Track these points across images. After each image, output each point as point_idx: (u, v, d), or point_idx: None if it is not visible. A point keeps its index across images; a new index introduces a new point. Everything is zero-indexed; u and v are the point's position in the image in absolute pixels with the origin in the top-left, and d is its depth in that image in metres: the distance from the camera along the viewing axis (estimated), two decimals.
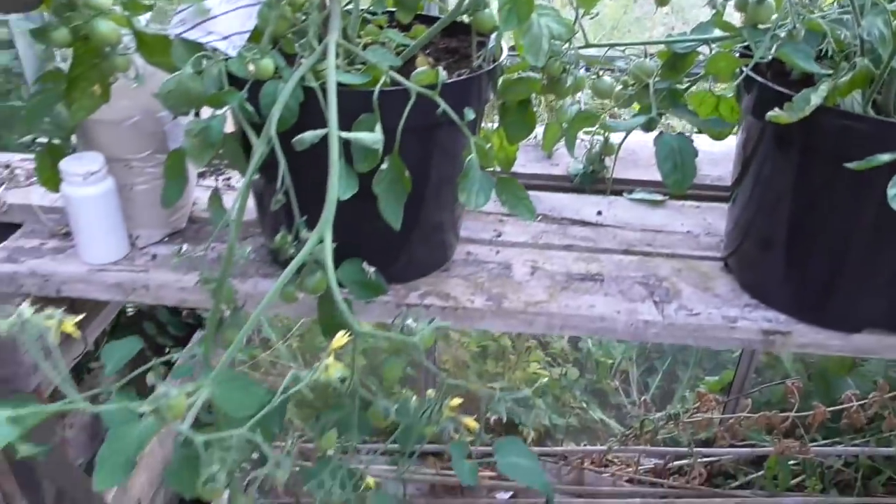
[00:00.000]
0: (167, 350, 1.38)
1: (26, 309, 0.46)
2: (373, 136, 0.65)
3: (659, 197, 1.11)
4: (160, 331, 1.43)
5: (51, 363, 0.46)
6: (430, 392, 0.69)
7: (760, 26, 0.78)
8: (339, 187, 0.62)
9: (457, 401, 0.68)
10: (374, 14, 0.82)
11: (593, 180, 1.16)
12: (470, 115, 0.70)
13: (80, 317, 0.49)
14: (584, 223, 1.04)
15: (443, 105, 0.69)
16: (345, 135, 0.64)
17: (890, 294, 0.80)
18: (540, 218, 1.04)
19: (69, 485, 0.99)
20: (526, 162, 1.19)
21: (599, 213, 1.07)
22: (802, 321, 0.85)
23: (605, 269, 0.93)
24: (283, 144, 0.67)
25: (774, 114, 0.70)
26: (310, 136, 0.64)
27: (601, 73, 0.96)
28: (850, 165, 0.68)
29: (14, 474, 0.95)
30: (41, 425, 0.52)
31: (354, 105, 0.69)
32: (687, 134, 0.84)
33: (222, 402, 0.59)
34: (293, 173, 0.69)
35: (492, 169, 0.75)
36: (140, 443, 0.58)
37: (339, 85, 0.67)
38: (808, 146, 0.76)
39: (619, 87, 0.96)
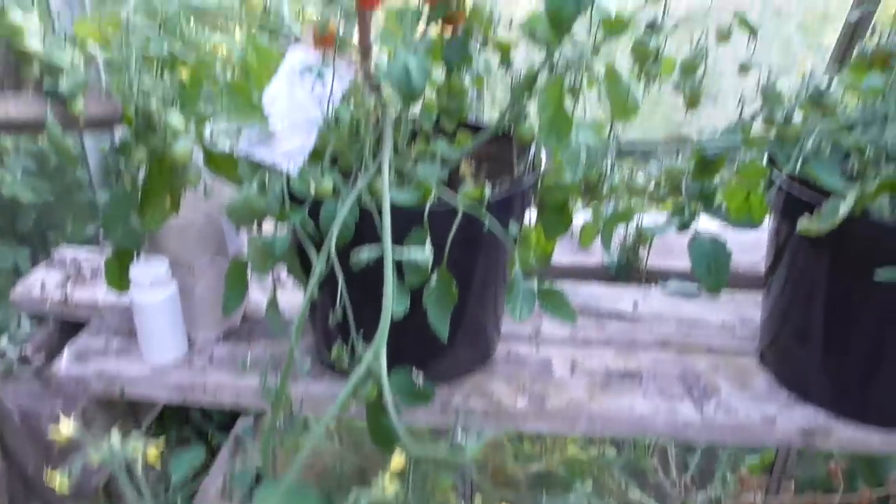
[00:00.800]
0: (210, 436, 1.42)
1: (116, 439, 0.50)
2: (424, 255, 0.70)
3: (693, 287, 1.14)
4: (205, 416, 1.47)
5: (135, 488, 0.50)
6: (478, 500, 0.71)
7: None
8: (392, 305, 0.67)
9: None
10: (421, 128, 0.88)
11: (629, 270, 1.19)
12: (514, 229, 0.75)
13: (161, 447, 0.52)
14: (620, 316, 1.07)
15: (489, 222, 0.73)
16: (398, 255, 0.69)
17: None
18: (578, 311, 1.07)
19: None
20: (562, 252, 1.23)
21: (635, 305, 1.10)
22: (842, 417, 0.86)
23: (643, 366, 0.95)
24: (340, 259, 0.72)
25: (804, 226, 0.73)
26: (367, 254, 0.69)
27: (636, 171, 1.01)
28: (879, 277, 0.70)
29: None
30: None
31: (406, 221, 0.74)
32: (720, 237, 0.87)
33: None
34: (346, 284, 0.73)
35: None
36: None
37: (392, 204, 0.72)
38: (839, 251, 0.79)
39: (652, 186, 1.00)
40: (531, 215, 0.95)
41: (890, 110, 0.74)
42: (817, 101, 0.71)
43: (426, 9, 0.82)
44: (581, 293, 1.13)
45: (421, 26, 0.82)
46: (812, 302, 0.86)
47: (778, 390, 0.91)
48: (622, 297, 1.12)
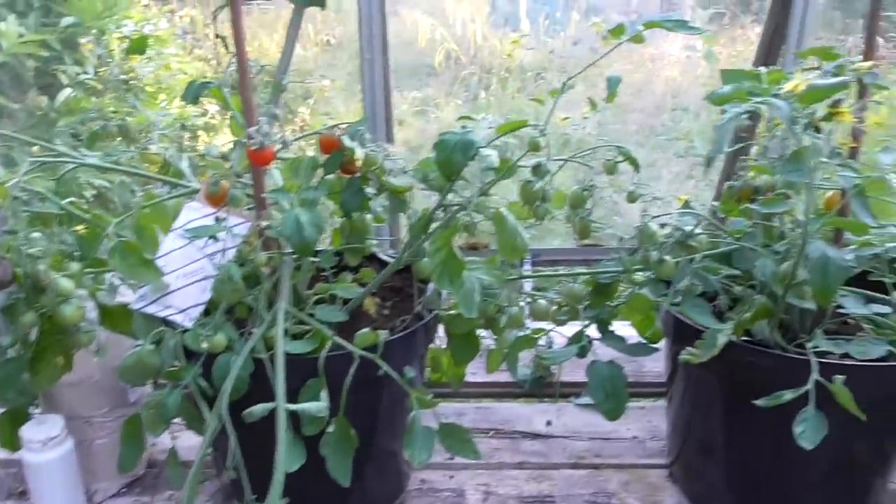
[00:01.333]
0: None
1: None
2: (318, 406, 0.70)
3: None
4: None
5: None
6: None
7: None
8: (286, 461, 0.66)
9: None
10: (323, 270, 0.89)
11: (542, 385, 1.21)
12: (410, 373, 0.76)
13: None
14: (535, 435, 1.08)
15: (385, 367, 0.75)
16: (292, 407, 0.69)
17: None
18: (492, 434, 1.08)
19: None
20: (476, 370, 1.24)
21: (549, 423, 1.11)
22: None
23: (555, 489, 0.96)
24: (234, 414, 0.71)
25: (685, 358, 0.76)
26: (259, 409, 0.69)
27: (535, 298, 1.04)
28: (758, 403, 0.74)
29: None
30: None
31: (303, 369, 0.74)
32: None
33: None
34: (242, 437, 0.72)
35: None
36: None
37: (287, 354, 0.73)
38: (724, 372, 0.83)
39: (554, 308, 1.03)
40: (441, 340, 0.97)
41: (756, 244, 0.79)
42: (683, 243, 0.76)
43: (322, 158, 0.85)
44: (497, 412, 1.15)
45: (317, 175, 0.85)
46: (709, 418, 0.89)
47: None
48: (536, 414, 1.13)
